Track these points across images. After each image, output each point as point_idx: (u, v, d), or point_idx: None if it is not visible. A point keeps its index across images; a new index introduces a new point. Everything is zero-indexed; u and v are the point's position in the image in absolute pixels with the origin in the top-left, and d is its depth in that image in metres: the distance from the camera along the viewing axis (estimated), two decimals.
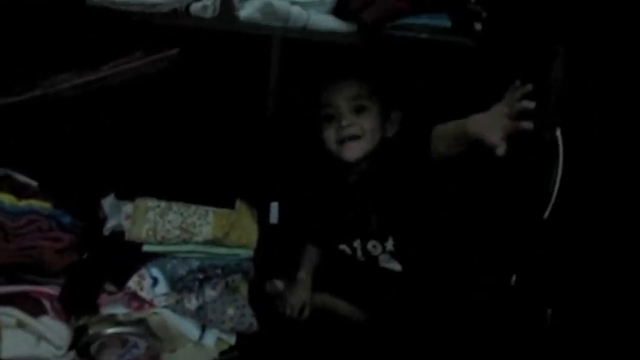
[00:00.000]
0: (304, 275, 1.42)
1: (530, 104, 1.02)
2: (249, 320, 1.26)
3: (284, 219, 1.29)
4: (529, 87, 1.03)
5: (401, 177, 1.28)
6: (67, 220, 1.20)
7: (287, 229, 1.37)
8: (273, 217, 1.27)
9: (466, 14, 1.28)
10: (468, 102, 1.24)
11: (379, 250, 1.37)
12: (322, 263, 1.44)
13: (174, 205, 1.24)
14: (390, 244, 1.36)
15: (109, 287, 1.18)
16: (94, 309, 1.17)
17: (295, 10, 1.24)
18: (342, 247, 1.40)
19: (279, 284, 1.38)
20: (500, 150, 1.04)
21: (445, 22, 1.26)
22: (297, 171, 1.40)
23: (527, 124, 1.02)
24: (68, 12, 1.12)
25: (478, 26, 1.29)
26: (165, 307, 1.20)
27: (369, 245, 1.37)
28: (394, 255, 1.37)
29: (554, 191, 1.16)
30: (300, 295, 1.39)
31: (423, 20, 1.25)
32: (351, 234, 1.39)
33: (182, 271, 1.21)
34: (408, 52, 1.29)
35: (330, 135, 1.33)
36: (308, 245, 1.45)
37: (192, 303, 1.23)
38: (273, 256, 1.31)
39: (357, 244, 1.38)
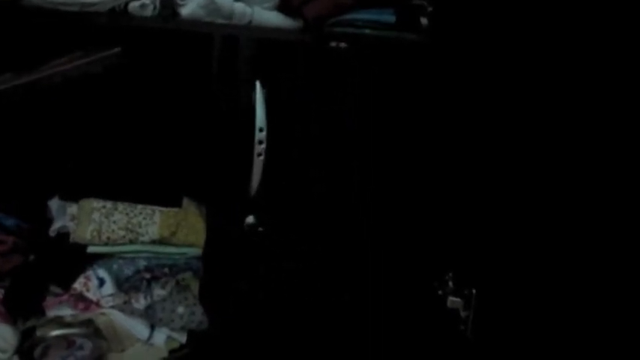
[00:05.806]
0: None
1: None
2: (199, 318, 1.26)
3: None
4: None
5: None
6: (10, 222, 1.19)
7: None
8: None
9: (411, 9, 1.27)
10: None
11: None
12: None
13: (120, 206, 1.24)
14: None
15: (55, 289, 1.18)
16: (40, 311, 1.16)
17: (239, 6, 1.22)
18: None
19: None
20: None
21: (390, 18, 1.25)
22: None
23: None
24: (3, 12, 1.10)
25: (424, 21, 1.28)
26: (112, 307, 1.20)
27: None
28: None
29: None
30: None
31: (367, 16, 1.24)
32: None
33: (128, 271, 1.21)
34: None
35: None
36: None
37: (140, 302, 1.23)
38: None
39: None
